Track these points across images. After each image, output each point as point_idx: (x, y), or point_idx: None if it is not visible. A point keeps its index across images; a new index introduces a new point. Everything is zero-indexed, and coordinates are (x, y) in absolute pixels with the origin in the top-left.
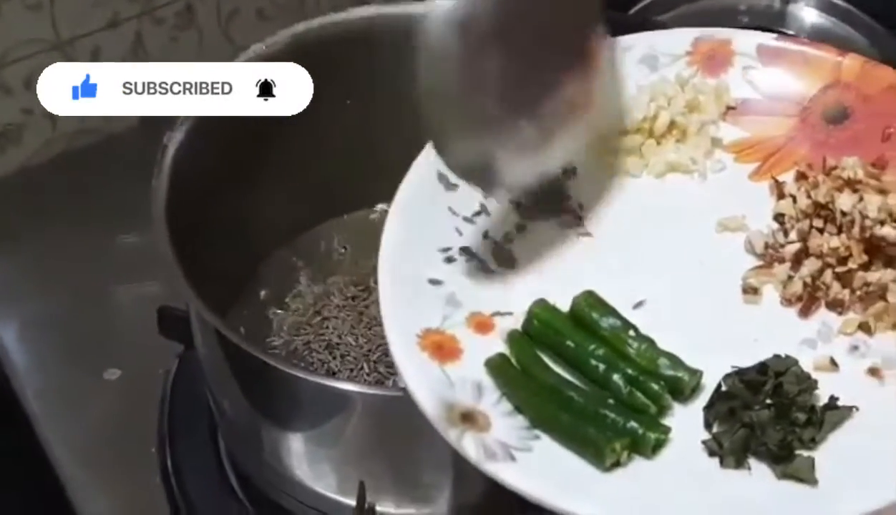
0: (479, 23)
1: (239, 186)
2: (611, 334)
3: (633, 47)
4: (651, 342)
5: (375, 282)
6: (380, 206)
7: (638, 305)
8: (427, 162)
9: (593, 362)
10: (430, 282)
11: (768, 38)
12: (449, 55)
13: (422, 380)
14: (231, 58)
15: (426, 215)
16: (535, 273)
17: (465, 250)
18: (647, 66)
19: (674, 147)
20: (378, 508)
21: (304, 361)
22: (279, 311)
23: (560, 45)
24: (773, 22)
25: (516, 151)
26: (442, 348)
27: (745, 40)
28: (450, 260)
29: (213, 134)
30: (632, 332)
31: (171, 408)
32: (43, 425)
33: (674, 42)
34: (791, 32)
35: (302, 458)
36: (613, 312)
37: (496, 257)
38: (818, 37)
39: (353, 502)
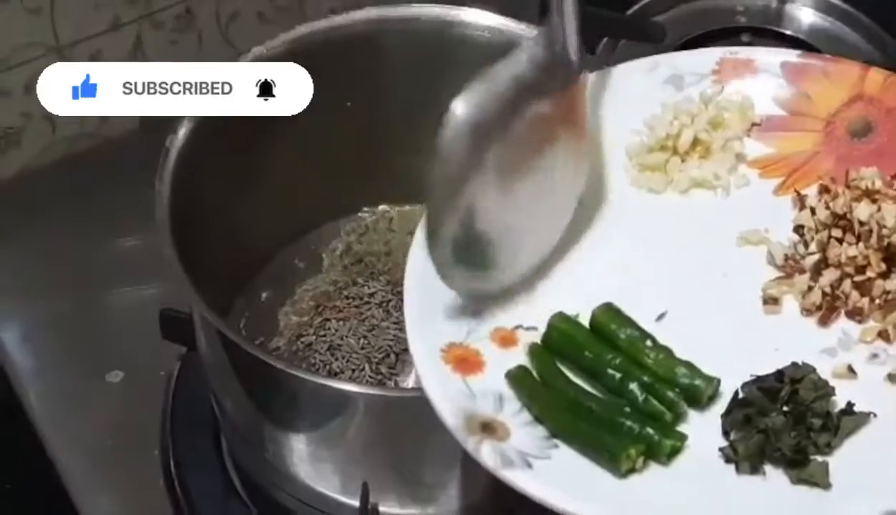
0: (487, 122)
1: (241, 188)
2: (628, 344)
3: (657, 68)
4: (669, 351)
5: (377, 284)
6: (381, 207)
7: (660, 317)
8: None
9: (610, 371)
10: (455, 297)
11: (792, 55)
12: (462, 149)
13: (443, 392)
14: (232, 61)
15: None
16: (560, 287)
17: None
18: (672, 85)
19: (698, 163)
20: (381, 508)
21: (306, 362)
22: (281, 313)
23: (549, 129)
24: (770, 22)
25: (511, 240)
26: (465, 361)
27: (769, 58)
28: None
29: (214, 137)
30: (649, 342)
31: (174, 410)
32: (46, 427)
33: (698, 61)
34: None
35: (304, 459)
36: (631, 323)
37: None
38: (815, 36)
39: (356, 502)
